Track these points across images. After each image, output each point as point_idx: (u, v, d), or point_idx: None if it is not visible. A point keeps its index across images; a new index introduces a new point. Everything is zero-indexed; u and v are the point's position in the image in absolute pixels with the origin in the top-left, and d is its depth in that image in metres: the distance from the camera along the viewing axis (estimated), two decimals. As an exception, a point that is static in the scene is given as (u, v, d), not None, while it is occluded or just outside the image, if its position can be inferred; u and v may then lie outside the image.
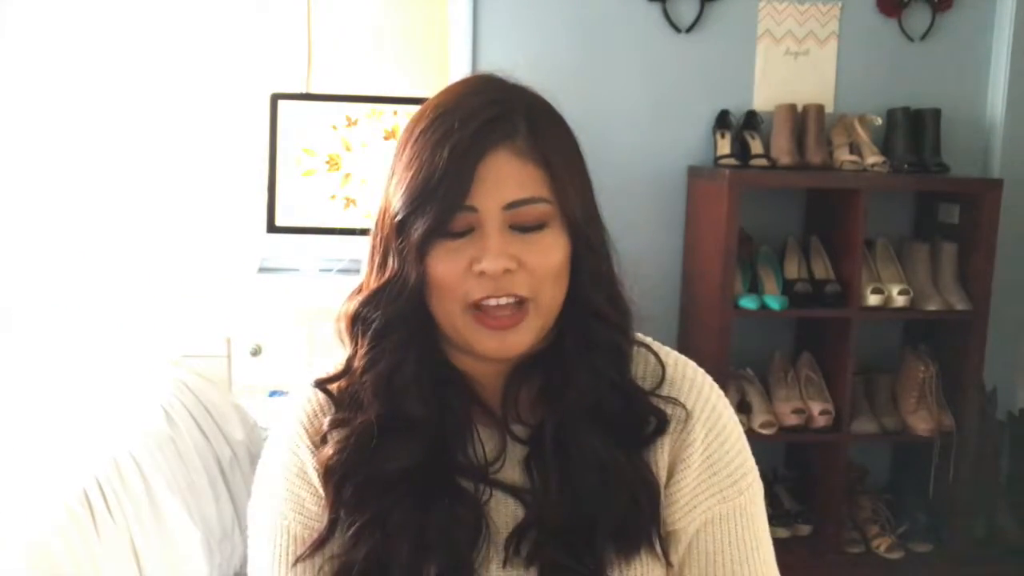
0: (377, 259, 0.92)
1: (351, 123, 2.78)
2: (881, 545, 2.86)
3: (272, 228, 2.81)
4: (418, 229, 0.86)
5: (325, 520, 0.93)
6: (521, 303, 0.87)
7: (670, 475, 0.95)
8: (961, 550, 2.82)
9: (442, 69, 2.97)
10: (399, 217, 0.87)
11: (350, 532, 0.91)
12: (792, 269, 2.91)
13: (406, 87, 2.93)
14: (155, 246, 2.90)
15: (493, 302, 0.87)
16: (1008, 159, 3.04)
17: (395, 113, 2.76)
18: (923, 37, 3.02)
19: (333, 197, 2.78)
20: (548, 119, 0.92)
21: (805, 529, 2.89)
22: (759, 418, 2.79)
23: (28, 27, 2.84)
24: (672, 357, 0.99)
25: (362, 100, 2.79)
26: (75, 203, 2.89)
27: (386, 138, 2.76)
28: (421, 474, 0.91)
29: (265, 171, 2.81)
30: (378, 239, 0.92)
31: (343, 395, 0.94)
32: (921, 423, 2.80)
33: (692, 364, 0.99)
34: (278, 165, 2.78)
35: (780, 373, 2.94)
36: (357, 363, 0.92)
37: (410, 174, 0.87)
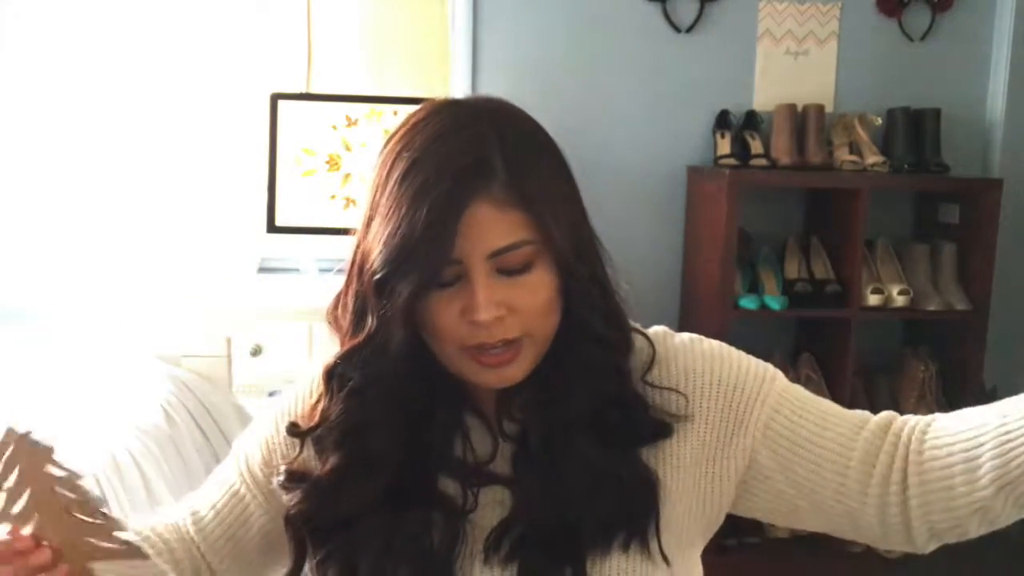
0: (353, 309, 0.91)
1: (351, 123, 2.78)
2: (881, 545, 2.86)
3: (272, 228, 2.81)
4: (403, 292, 0.85)
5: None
6: (515, 340, 0.88)
7: (712, 426, 0.94)
8: (961, 550, 2.82)
9: (442, 69, 2.97)
10: (379, 276, 0.86)
11: (317, 559, 0.94)
12: (792, 269, 2.91)
13: (406, 87, 2.93)
14: (155, 246, 2.90)
15: (489, 350, 0.88)
16: (1008, 159, 3.04)
17: (395, 113, 2.75)
18: (923, 37, 3.02)
19: (333, 197, 2.78)
20: (526, 148, 0.89)
21: (805, 529, 2.89)
22: (759, 418, 2.79)
23: (28, 27, 2.84)
24: (659, 335, 0.99)
25: (362, 100, 2.79)
26: (75, 203, 2.89)
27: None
28: (397, 485, 0.91)
29: (265, 171, 2.81)
30: (353, 286, 0.91)
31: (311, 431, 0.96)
32: (921, 423, 2.80)
33: (672, 333, 1.00)
34: (278, 165, 2.78)
35: (780, 373, 2.94)
36: (330, 411, 0.93)
37: (387, 231, 0.85)
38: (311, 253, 2.89)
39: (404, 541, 0.90)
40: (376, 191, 0.89)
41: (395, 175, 0.87)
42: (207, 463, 2.35)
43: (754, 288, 2.88)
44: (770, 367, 0.98)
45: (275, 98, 2.79)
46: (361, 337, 0.89)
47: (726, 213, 2.70)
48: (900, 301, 2.80)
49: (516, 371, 0.89)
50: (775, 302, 2.80)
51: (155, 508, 2.00)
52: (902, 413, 0.99)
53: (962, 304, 2.82)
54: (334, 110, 2.79)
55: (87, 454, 1.91)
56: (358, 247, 0.91)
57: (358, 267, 0.90)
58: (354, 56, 2.96)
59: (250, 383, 2.85)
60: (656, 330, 1.00)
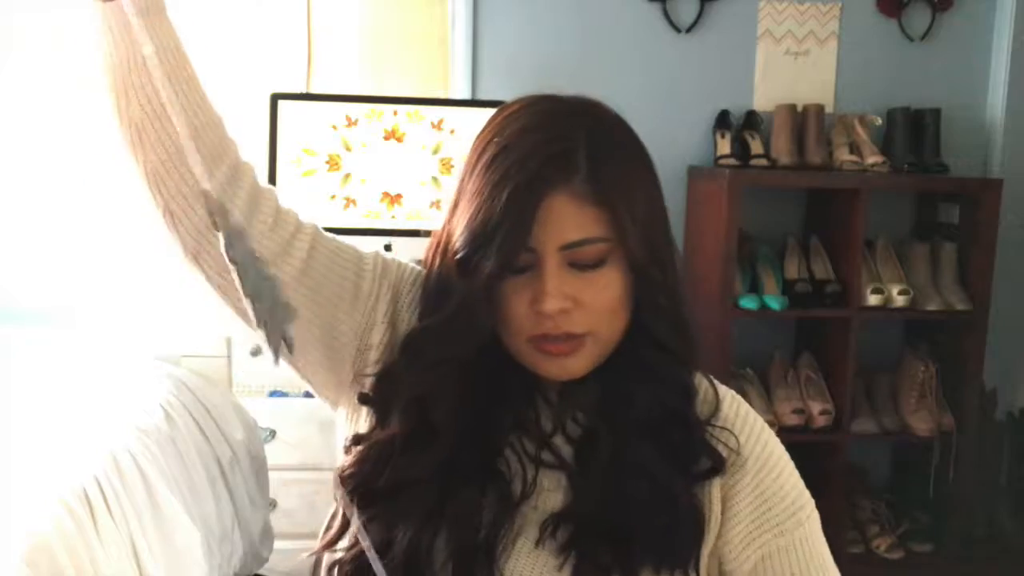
0: (436, 288, 0.93)
1: (351, 123, 2.77)
2: (881, 545, 2.86)
3: (272, 228, 2.80)
4: (483, 271, 0.87)
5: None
6: (579, 336, 0.89)
7: (723, 512, 0.94)
8: (961, 550, 2.82)
9: (442, 69, 2.97)
10: (460, 255, 0.89)
11: (361, 521, 0.91)
12: (792, 269, 2.91)
13: (406, 87, 2.93)
14: (155, 246, 2.90)
15: (552, 340, 0.89)
16: (1008, 159, 3.04)
17: (395, 113, 2.75)
18: (923, 37, 3.02)
19: (333, 197, 2.78)
20: (611, 148, 0.91)
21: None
22: (759, 418, 2.79)
23: (28, 26, 2.84)
24: (728, 393, 0.99)
25: (362, 100, 2.79)
26: (75, 202, 2.89)
27: (386, 138, 2.76)
28: (454, 461, 0.91)
29: (265, 171, 2.81)
30: (436, 265, 0.94)
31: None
32: (921, 423, 2.80)
33: (745, 403, 1.00)
34: (278, 165, 2.78)
35: (780, 373, 2.94)
36: (400, 376, 0.93)
37: (470, 214, 0.88)
38: (311, 253, 2.89)
39: (450, 517, 0.89)
40: (465, 175, 0.91)
41: (483, 160, 0.89)
42: (207, 463, 2.35)
43: (754, 288, 2.88)
44: (809, 504, 0.96)
45: (275, 98, 2.79)
46: (443, 314, 0.90)
47: (726, 213, 2.70)
48: (900, 301, 2.80)
49: (577, 365, 0.90)
50: (775, 302, 2.80)
51: (155, 508, 2.00)
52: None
53: (962, 304, 2.82)
54: (334, 110, 2.79)
55: (87, 453, 1.91)
56: (444, 229, 0.93)
57: (442, 248, 0.93)
58: (354, 56, 2.96)
59: (250, 383, 2.85)
60: (727, 389, 1.00)
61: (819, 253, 2.92)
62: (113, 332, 2.71)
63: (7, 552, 1.52)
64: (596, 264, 0.88)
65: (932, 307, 2.82)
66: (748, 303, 2.80)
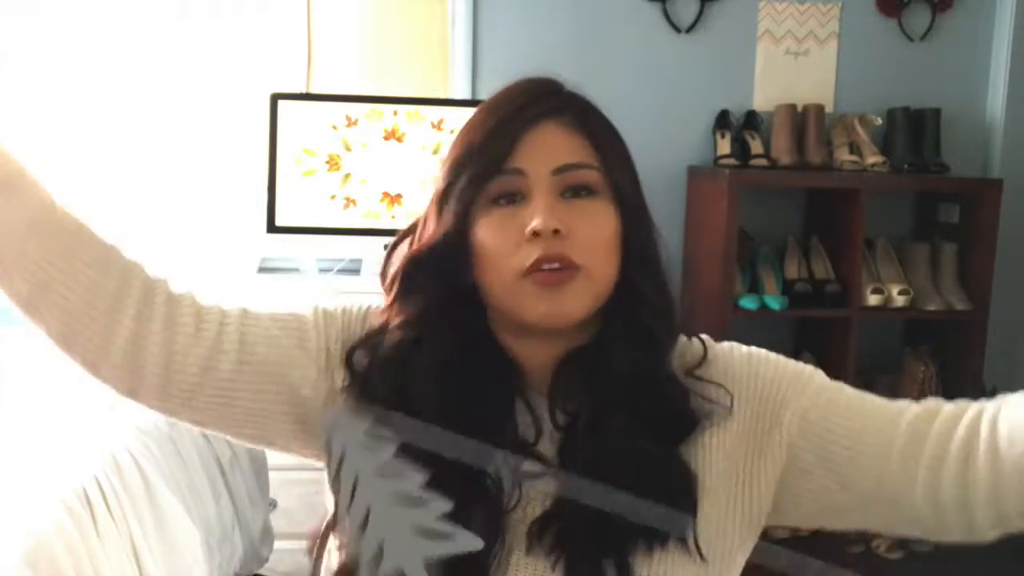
0: (421, 230, 0.94)
1: (351, 123, 2.77)
2: (881, 545, 2.86)
3: (272, 228, 2.80)
4: (462, 191, 0.87)
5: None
6: (573, 265, 0.87)
7: (749, 427, 0.93)
8: (961, 550, 2.82)
9: (442, 69, 2.97)
10: (441, 186, 0.89)
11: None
12: (792, 269, 2.91)
13: (406, 87, 2.93)
14: (155, 246, 2.90)
15: (546, 266, 0.86)
16: (1008, 159, 3.04)
17: (395, 113, 2.75)
18: (923, 37, 3.02)
19: (333, 197, 2.78)
20: (599, 113, 0.95)
21: (805, 529, 2.89)
22: (759, 418, 2.79)
23: (28, 26, 2.84)
24: (717, 346, 0.99)
25: (362, 100, 2.79)
26: (75, 202, 2.89)
27: (386, 138, 2.76)
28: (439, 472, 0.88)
29: (265, 171, 2.81)
30: (422, 218, 0.94)
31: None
32: (921, 423, 2.80)
33: (738, 346, 1.00)
34: (278, 165, 2.78)
35: (780, 373, 2.94)
36: (390, 316, 0.92)
37: (454, 146, 0.91)
38: (311, 253, 2.89)
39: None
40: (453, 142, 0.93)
41: (470, 121, 0.92)
42: (207, 463, 2.35)
43: (754, 288, 2.88)
44: (808, 366, 0.97)
45: (275, 98, 2.79)
46: (427, 241, 0.90)
47: (726, 213, 2.70)
48: (900, 301, 2.80)
49: (571, 303, 0.87)
50: (775, 302, 2.80)
51: (155, 508, 2.00)
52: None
53: (962, 304, 2.82)
54: (334, 110, 2.79)
55: (87, 453, 1.91)
56: (432, 193, 0.94)
57: (430, 203, 0.93)
58: (354, 56, 2.96)
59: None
60: (720, 345, 1.00)
61: (819, 253, 2.92)
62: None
63: (7, 552, 1.52)
64: (588, 193, 0.88)
65: (932, 307, 2.82)
66: (748, 303, 2.80)
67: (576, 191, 0.88)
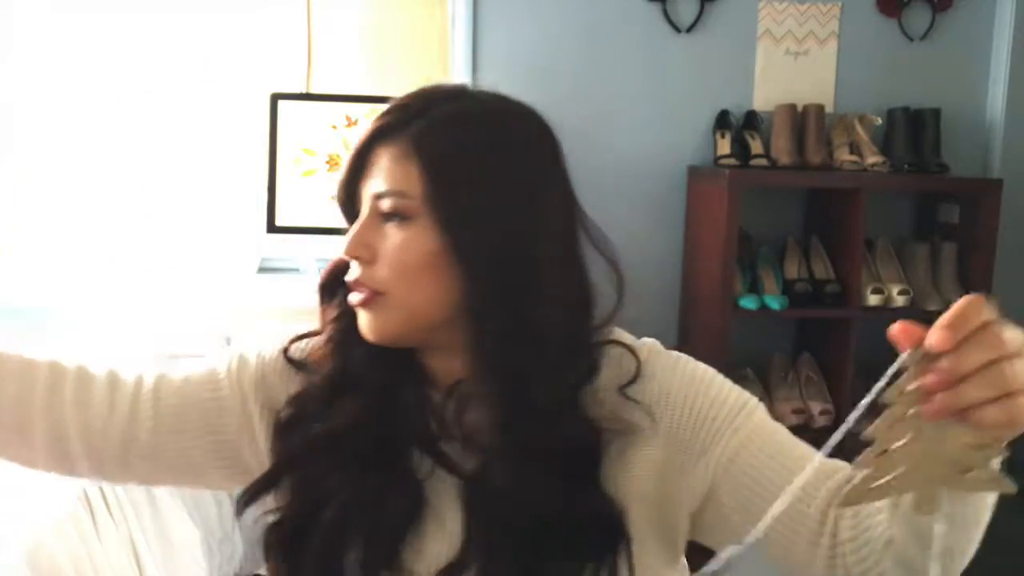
0: None
1: (351, 123, 2.77)
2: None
3: (272, 228, 2.80)
4: (343, 208, 0.96)
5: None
6: (372, 291, 0.90)
7: (672, 460, 0.91)
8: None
9: (442, 69, 2.97)
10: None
11: (287, 488, 0.94)
12: (792, 269, 2.91)
13: (406, 87, 2.92)
14: (155, 246, 2.90)
15: (354, 290, 0.92)
16: (1008, 159, 3.04)
17: (395, 113, 2.75)
18: (923, 37, 3.02)
19: (333, 197, 2.78)
20: (460, 128, 0.90)
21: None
22: (759, 418, 2.79)
23: (28, 26, 2.83)
24: (647, 356, 0.96)
25: (362, 100, 2.79)
26: (75, 202, 2.89)
27: (386, 138, 2.76)
28: (366, 444, 0.92)
29: (265, 171, 2.81)
30: None
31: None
32: (921, 423, 2.80)
33: (660, 355, 0.96)
34: (278, 165, 2.78)
35: (780, 373, 2.94)
36: (323, 325, 0.98)
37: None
38: (311, 253, 2.89)
39: (363, 507, 0.90)
40: None
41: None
42: (207, 463, 2.35)
43: (754, 288, 2.88)
44: (751, 399, 0.94)
45: (275, 98, 2.79)
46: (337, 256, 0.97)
47: (726, 213, 2.70)
48: (900, 301, 2.80)
49: (373, 323, 0.90)
50: (775, 302, 2.80)
51: (155, 508, 2.00)
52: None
53: (962, 304, 2.81)
54: (334, 110, 2.79)
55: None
56: None
57: None
58: (354, 56, 2.96)
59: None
60: (645, 343, 0.97)
61: (819, 253, 2.92)
62: (113, 331, 2.70)
63: (7, 553, 1.52)
64: (403, 218, 0.88)
65: (932, 307, 2.81)
66: (748, 303, 2.80)
67: (389, 217, 0.89)
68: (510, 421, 0.87)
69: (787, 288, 2.85)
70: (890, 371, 0.66)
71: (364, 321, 0.91)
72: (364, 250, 0.90)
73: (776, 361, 2.96)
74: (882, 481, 0.66)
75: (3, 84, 2.85)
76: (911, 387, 0.66)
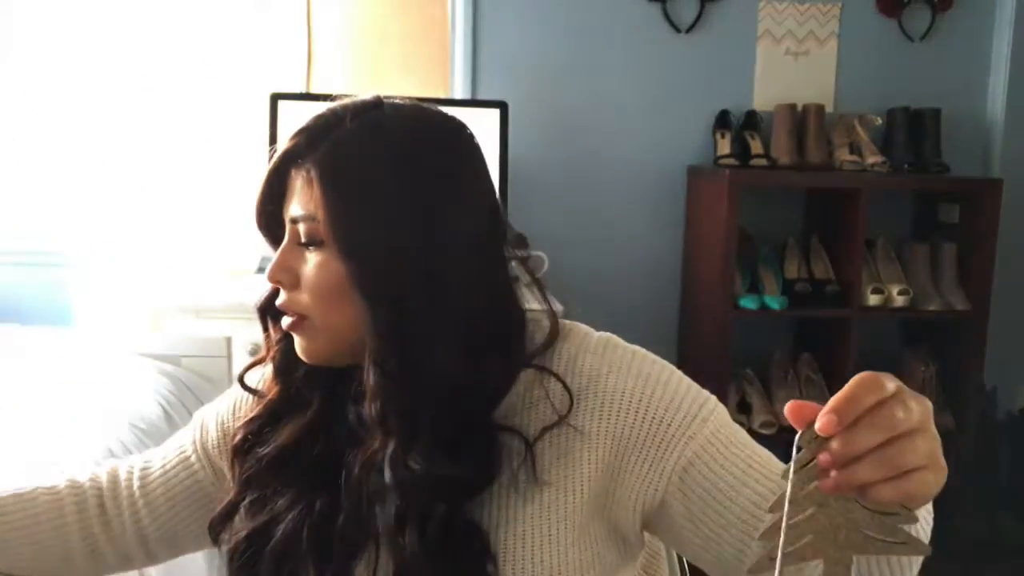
0: None
1: (351, 123, 2.78)
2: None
3: (272, 228, 2.80)
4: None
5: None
6: (299, 315, 0.90)
7: (622, 462, 0.88)
8: (961, 550, 2.82)
9: (442, 69, 2.97)
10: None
11: (245, 510, 0.96)
12: (792, 269, 2.91)
13: (406, 87, 2.93)
14: (155, 245, 2.90)
15: (284, 314, 0.92)
16: (1008, 159, 3.05)
17: (395, 113, 2.75)
18: (923, 37, 3.02)
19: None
20: (366, 147, 0.88)
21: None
22: (759, 418, 2.79)
23: (29, 26, 2.84)
24: (596, 342, 0.92)
25: (362, 100, 2.79)
26: (75, 202, 2.89)
27: (386, 138, 2.76)
28: (311, 463, 0.93)
29: (265, 171, 2.81)
30: None
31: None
32: (921, 423, 2.80)
33: (615, 347, 0.92)
34: (278, 165, 2.78)
35: (780, 373, 2.94)
36: (266, 350, 0.99)
37: None
38: (311, 253, 2.89)
39: (313, 525, 0.91)
40: None
41: None
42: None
43: (754, 288, 2.88)
44: (709, 402, 0.90)
45: (275, 98, 2.79)
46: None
47: (726, 213, 2.70)
48: (900, 301, 2.80)
49: (304, 345, 0.91)
50: (775, 302, 2.80)
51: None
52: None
53: (962, 304, 2.82)
54: (334, 110, 2.79)
55: (85, 452, 1.91)
56: None
57: None
58: (354, 56, 2.96)
59: (249, 383, 2.83)
60: (601, 336, 0.94)
61: (819, 253, 2.92)
62: (113, 331, 2.70)
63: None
64: (312, 243, 0.88)
65: (932, 307, 2.82)
66: (748, 303, 2.80)
67: (306, 242, 0.89)
68: (404, 460, 0.86)
69: (787, 288, 2.86)
70: (794, 450, 0.66)
71: (296, 344, 0.92)
72: (285, 275, 0.90)
73: (776, 361, 2.96)
74: (791, 549, 0.66)
75: (3, 84, 2.85)
76: (806, 465, 0.65)
